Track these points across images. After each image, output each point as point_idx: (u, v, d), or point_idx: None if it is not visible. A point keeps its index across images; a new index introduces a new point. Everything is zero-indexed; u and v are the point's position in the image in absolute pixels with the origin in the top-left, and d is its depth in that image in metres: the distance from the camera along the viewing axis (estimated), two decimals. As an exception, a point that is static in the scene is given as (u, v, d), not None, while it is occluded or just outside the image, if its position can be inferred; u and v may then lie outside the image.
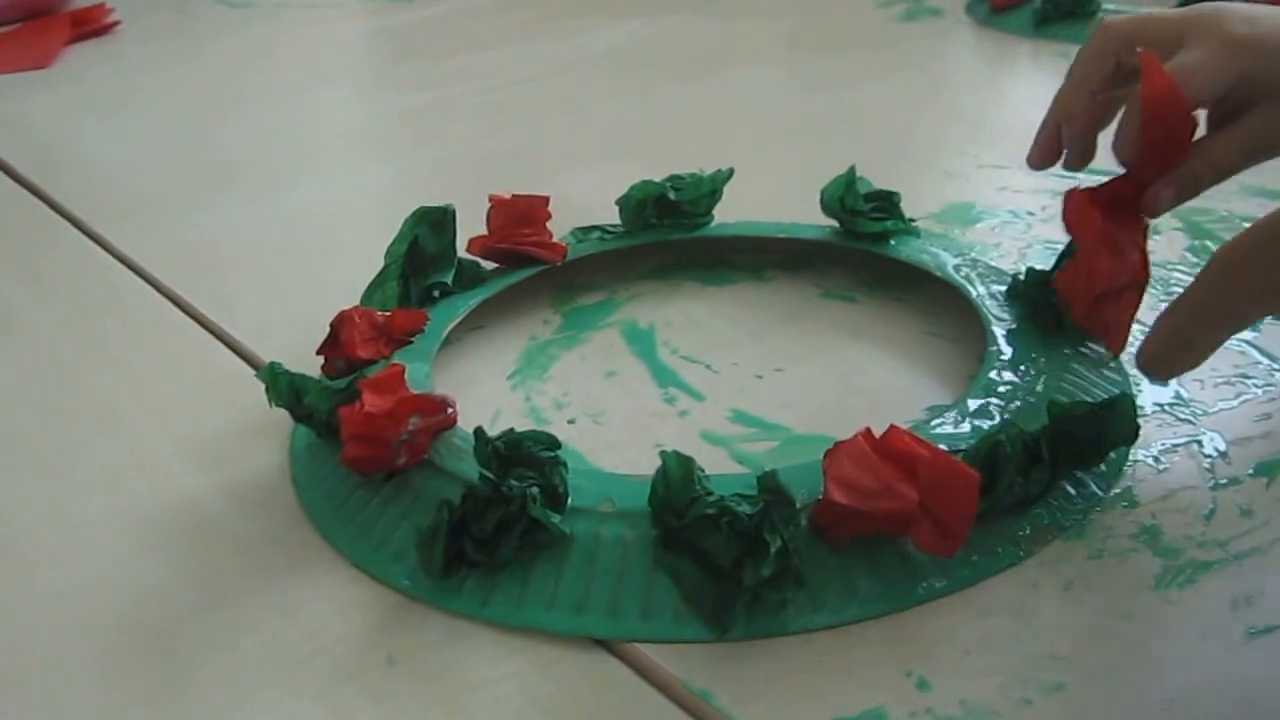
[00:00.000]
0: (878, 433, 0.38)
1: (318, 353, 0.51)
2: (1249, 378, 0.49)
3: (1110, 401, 0.41)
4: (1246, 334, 0.51)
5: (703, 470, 0.38)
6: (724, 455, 0.46)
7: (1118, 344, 0.42)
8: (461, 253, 0.57)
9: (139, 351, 0.58)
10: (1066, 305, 0.44)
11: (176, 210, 0.75)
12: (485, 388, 0.52)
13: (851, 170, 0.56)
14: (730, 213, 0.60)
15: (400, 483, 0.43)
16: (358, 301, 0.53)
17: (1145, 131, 0.41)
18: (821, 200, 0.57)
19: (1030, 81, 0.91)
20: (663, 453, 0.38)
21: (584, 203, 0.62)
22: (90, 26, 1.23)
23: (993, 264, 0.56)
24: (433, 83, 0.99)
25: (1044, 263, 0.52)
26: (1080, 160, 0.48)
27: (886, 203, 0.56)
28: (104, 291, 0.65)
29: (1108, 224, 0.41)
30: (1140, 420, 0.43)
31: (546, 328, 0.57)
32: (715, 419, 0.48)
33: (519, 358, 0.54)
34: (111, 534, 0.45)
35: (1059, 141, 0.48)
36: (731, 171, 0.59)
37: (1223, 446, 0.45)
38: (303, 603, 0.40)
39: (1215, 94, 0.42)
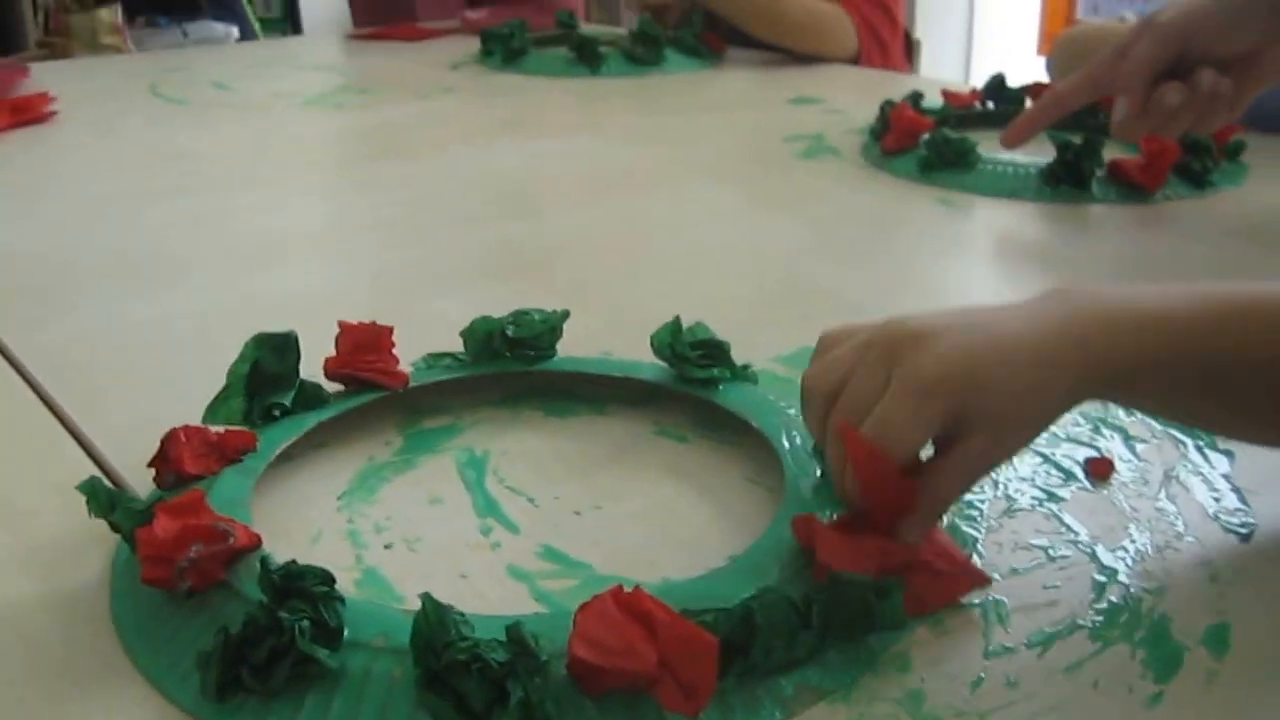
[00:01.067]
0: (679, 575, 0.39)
1: (148, 465, 0.51)
2: (1048, 546, 0.50)
3: (882, 586, 0.42)
4: (1053, 501, 0.52)
5: (462, 614, 0.39)
6: (525, 592, 0.47)
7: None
8: (320, 371, 0.58)
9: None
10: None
11: (66, 303, 0.76)
12: (315, 507, 0.53)
13: (676, 320, 0.59)
14: (590, 341, 0.62)
15: (199, 602, 0.44)
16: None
17: (864, 492, 0.45)
18: (652, 344, 0.58)
19: (905, 226, 0.94)
20: (422, 595, 0.38)
21: (462, 322, 0.63)
22: (29, 114, 1.26)
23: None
24: (340, 192, 1.01)
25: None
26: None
27: (715, 350, 0.58)
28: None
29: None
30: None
31: (386, 449, 0.58)
32: (524, 554, 0.49)
33: (353, 479, 0.55)
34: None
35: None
36: (567, 313, 0.62)
37: (1006, 613, 0.46)
38: (90, 715, 0.40)
39: (918, 446, 0.45)
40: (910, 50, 1.68)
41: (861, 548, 0.44)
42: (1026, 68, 2.62)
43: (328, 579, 0.41)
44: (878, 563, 0.43)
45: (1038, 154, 1.00)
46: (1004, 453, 0.47)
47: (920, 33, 2.61)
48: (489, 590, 0.47)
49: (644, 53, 1.47)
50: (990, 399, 0.45)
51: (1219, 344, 0.47)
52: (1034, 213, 0.96)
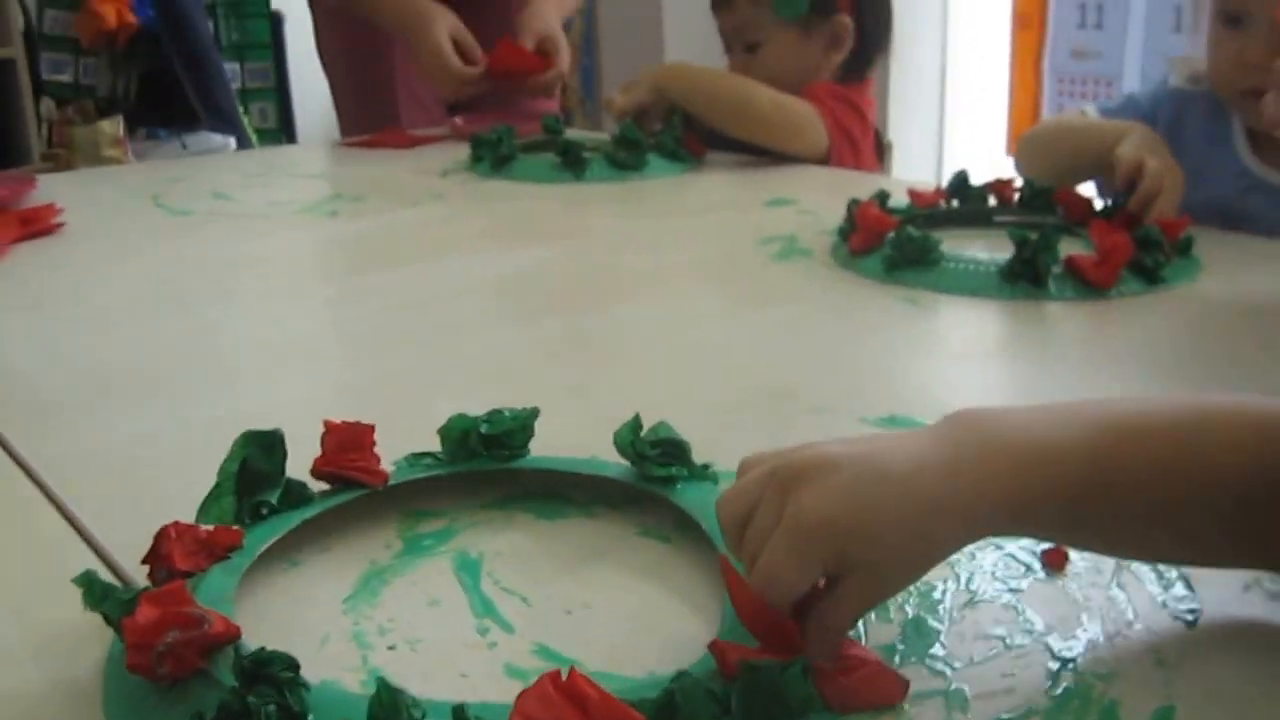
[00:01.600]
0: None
1: (142, 562, 0.55)
2: (1005, 636, 0.53)
3: (782, 666, 0.45)
4: (1011, 593, 0.56)
5: (414, 698, 0.43)
6: (520, 688, 0.50)
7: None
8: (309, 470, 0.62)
9: (7, 549, 0.62)
10: None
11: (78, 415, 0.80)
12: (320, 609, 0.57)
13: (636, 418, 0.63)
14: (575, 441, 0.66)
15: (181, 690, 0.48)
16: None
17: (748, 628, 0.48)
18: (615, 443, 0.62)
19: (872, 325, 0.98)
20: (377, 679, 0.43)
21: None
22: (37, 226, 1.29)
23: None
24: (335, 300, 1.06)
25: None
26: None
27: (674, 449, 0.62)
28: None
29: None
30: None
31: (387, 552, 0.61)
32: (520, 653, 0.53)
33: (356, 581, 0.59)
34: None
35: None
36: (536, 411, 0.66)
37: (965, 700, 0.49)
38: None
39: (796, 592, 0.47)
40: (881, 151, 1.73)
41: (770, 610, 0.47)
42: (996, 167, 2.70)
43: (293, 665, 0.45)
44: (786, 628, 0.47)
45: (999, 250, 1.04)
46: (885, 594, 0.49)
47: (892, 133, 2.70)
48: (488, 688, 0.50)
49: (626, 157, 1.53)
50: (869, 547, 0.46)
51: (1113, 474, 0.49)
52: (995, 310, 1.00)
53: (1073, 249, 1.05)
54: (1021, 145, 1.38)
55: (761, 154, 1.61)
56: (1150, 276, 1.02)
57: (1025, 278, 1.00)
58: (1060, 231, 1.04)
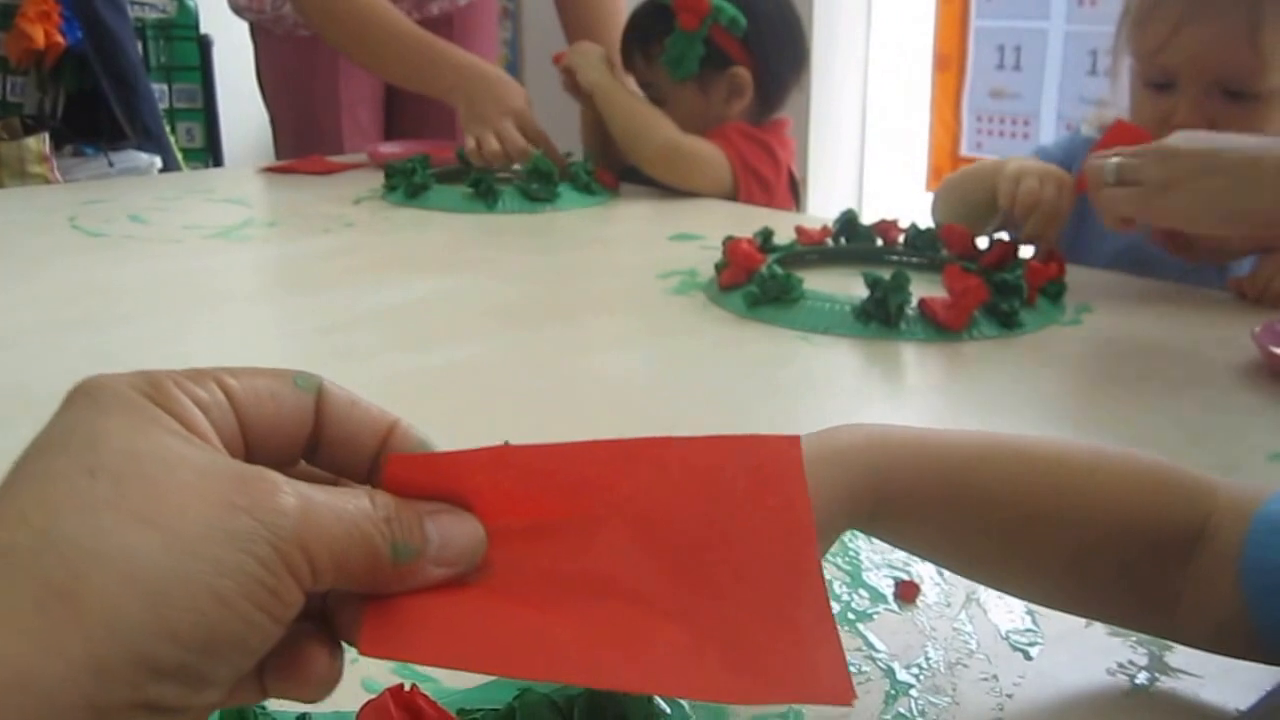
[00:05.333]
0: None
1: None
2: (850, 663, 0.55)
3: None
4: (861, 621, 0.58)
5: (261, 708, 0.45)
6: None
7: None
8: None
9: None
10: None
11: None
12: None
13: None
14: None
15: None
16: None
17: None
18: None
19: (729, 362, 0.99)
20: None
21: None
22: (-58, 245, 1.28)
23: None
24: (239, 325, 1.06)
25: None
26: None
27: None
28: None
29: None
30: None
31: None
32: (381, 669, 0.54)
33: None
34: None
35: None
36: None
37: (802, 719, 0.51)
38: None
39: None
40: (795, 188, 1.76)
41: None
42: (915, 203, 2.76)
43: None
44: None
45: (854, 290, 1.05)
46: None
47: (814, 171, 2.74)
48: (342, 700, 0.51)
49: (539, 189, 1.55)
50: None
51: (980, 478, 0.51)
52: (849, 348, 1.01)
53: (935, 290, 1.07)
54: (936, 195, 1.42)
55: (665, 187, 1.64)
56: (1005, 321, 1.03)
57: (878, 318, 1.01)
58: (935, 270, 1.05)
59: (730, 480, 0.35)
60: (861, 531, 0.54)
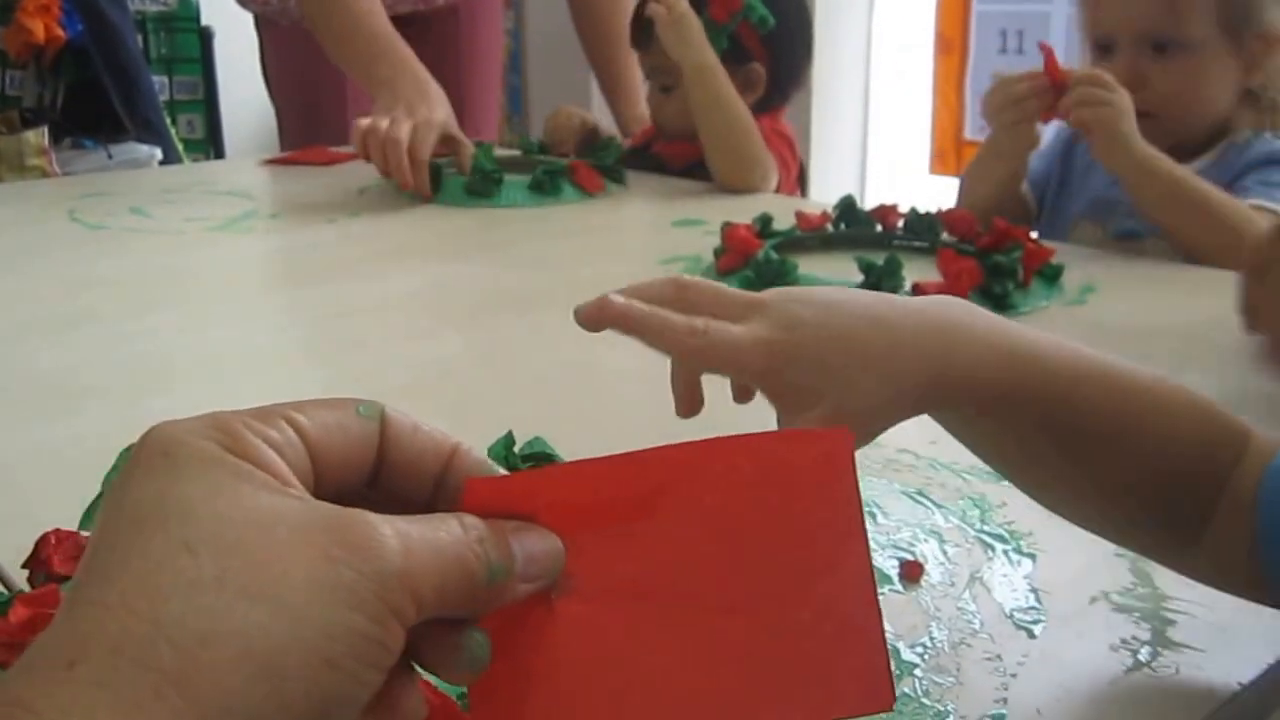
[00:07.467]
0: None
1: (22, 566, 0.56)
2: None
3: None
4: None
5: None
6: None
7: None
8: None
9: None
10: None
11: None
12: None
13: (509, 434, 0.64)
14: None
15: None
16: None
17: None
18: (488, 457, 0.64)
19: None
20: None
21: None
22: (-55, 242, 1.28)
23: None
24: (243, 316, 1.06)
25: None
26: None
27: (543, 462, 0.64)
28: None
29: None
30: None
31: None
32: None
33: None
34: None
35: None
36: None
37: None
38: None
39: None
40: (803, 175, 1.76)
41: None
42: (918, 187, 2.76)
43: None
44: None
45: (849, 275, 1.05)
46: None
47: (816, 155, 2.74)
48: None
49: (544, 182, 1.54)
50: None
51: (1070, 397, 0.51)
52: None
53: (931, 274, 1.07)
54: (961, 182, 1.42)
55: (692, 177, 1.64)
56: (998, 303, 1.02)
57: None
58: (934, 255, 1.05)
59: (784, 479, 0.35)
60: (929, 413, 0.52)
